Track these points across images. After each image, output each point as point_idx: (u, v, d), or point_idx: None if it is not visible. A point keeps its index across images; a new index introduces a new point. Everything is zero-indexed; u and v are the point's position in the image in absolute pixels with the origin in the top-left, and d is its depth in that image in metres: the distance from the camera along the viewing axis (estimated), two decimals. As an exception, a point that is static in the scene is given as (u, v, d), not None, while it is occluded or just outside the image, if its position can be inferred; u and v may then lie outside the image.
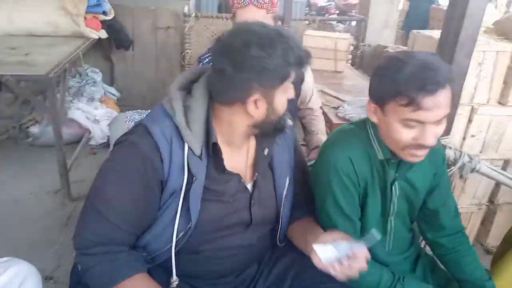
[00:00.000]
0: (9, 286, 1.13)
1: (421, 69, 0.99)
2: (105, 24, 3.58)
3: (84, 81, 3.67)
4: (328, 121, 2.29)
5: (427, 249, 1.50)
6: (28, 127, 3.30)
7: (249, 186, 1.16)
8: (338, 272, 0.98)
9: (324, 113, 2.28)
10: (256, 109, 1.02)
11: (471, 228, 2.39)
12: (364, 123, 1.22)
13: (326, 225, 1.21)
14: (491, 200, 2.37)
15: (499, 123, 2.12)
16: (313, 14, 9.49)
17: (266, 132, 1.09)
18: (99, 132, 3.41)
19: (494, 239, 2.42)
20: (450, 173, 1.64)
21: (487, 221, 2.40)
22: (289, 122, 1.20)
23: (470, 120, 2.11)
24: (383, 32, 5.83)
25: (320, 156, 1.26)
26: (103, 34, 3.54)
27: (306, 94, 1.89)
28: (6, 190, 2.75)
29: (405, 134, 1.05)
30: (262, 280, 1.24)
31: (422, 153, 1.09)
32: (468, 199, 2.29)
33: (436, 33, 2.29)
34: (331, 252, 0.99)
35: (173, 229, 1.05)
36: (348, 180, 1.17)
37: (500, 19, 2.46)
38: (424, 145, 1.05)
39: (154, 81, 4.16)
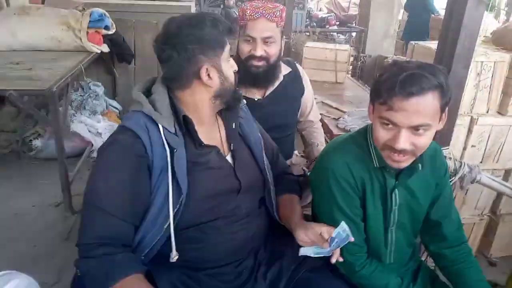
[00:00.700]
0: (10, 299, 1.13)
1: (400, 72, 1.03)
2: (107, 38, 3.62)
3: (87, 94, 3.70)
4: (328, 132, 2.30)
5: (428, 261, 1.49)
6: (31, 140, 3.32)
7: (228, 158, 1.29)
8: None
9: (324, 124, 2.29)
10: (210, 79, 1.15)
11: (474, 240, 2.37)
12: (365, 132, 1.25)
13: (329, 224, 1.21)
14: (493, 211, 2.35)
15: (499, 133, 2.12)
16: (313, 25, 9.55)
17: (228, 102, 1.23)
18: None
19: (497, 251, 2.40)
20: (450, 183, 1.64)
21: (489, 232, 2.38)
22: (244, 101, 1.37)
23: (470, 130, 2.11)
24: (383, 43, 5.87)
25: (318, 163, 1.29)
26: (105, 48, 3.58)
27: (306, 107, 1.90)
28: (8, 203, 2.76)
29: (381, 133, 1.10)
30: (260, 273, 1.26)
31: (398, 158, 1.10)
32: (470, 210, 2.28)
33: (434, 44, 2.31)
34: (313, 253, 1.19)
35: (168, 205, 1.11)
36: (346, 183, 1.20)
37: (497, 29, 2.48)
38: (394, 147, 1.07)
39: (156, 94, 4.19)
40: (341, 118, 2.43)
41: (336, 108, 2.68)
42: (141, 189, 1.11)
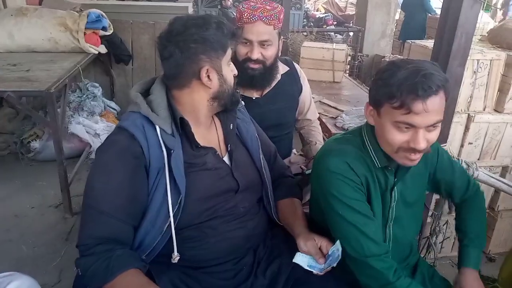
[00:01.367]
0: (11, 300, 1.14)
1: (414, 74, 1.02)
2: (105, 39, 3.63)
3: (84, 95, 3.69)
4: (326, 131, 2.31)
5: (427, 257, 1.50)
6: (29, 142, 3.32)
7: (225, 158, 1.28)
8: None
9: (322, 123, 2.30)
10: (209, 80, 1.15)
11: (472, 236, 2.39)
12: (360, 131, 1.24)
13: (346, 229, 1.15)
14: (491, 207, 2.37)
15: (496, 130, 2.14)
16: (311, 25, 9.58)
17: (225, 104, 1.22)
18: (100, 146, 3.42)
19: (495, 246, 2.42)
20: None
21: (488, 228, 2.39)
22: (242, 102, 1.37)
23: (467, 128, 2.13)
24: (380, 42, 5.89)
25: (316, 166, 1.26)
26: (103, 49, 3.59)
27: (304, 105, 1.91)
28: (7, 204, 2.77)
29: (398, 136, 1.08)
30: (260, 270, 1.26)
31: (415, 157, 1.11)
32: (468, 206, 2.29)
33: (431, 43, 2.33)
34: (307, 265, 1.19)
35: (168, 206, 1.11)
36: (350, 181, 1.16)
37: (493, 28, 2.50)
38: (416, 148, 1.07)
39: (153, 95, 4.19)
40: (339, 117, 2.43)
41: (333, 107, 2.69)
42: (139, 190, 1.12)
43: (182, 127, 1.16)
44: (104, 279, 1.04)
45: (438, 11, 6.69)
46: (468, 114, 2.11)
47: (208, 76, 1.15)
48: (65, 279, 2.09)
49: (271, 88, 1.76)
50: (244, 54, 1.63)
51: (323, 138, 2.01)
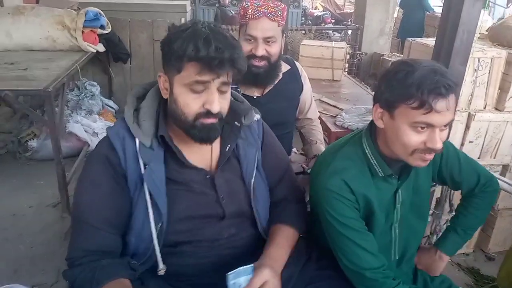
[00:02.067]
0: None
1: (432, 73, 1.01)
2: (103, 38, 3.61)
3: (83, 94, 3.68)
4: (326, 129, 2.30)
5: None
6: (27, 141, 3.31)
7: (216, 179, 1.18)
8: None
9: (322, 122, 2.29)
10: (164, 89, 1.09)
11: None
12: (360, 140, 1.21)
13: (343, 242, 1.16)
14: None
15: (497, 128, 2.14)
16: (309, 23, 9.57)
17: (186, 132, 1.08)
18: (98, 145, 3.41)
19: (495, 245, 2.41)
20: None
21: (487, 227, 2.40)
22: (257, 116, 1.26)
23: (467, 126, 2.12)
24: (378, 40, 5.89)
25: (313, 181, 1.24)
26: (101, 47, 3.57)
27: (305, 104, 1.90)
28: (5, 204, 2.75)
29: (414, 137, 1.06)
30: None
31: (430, 157, 1.10)
32: (468, 205, 2.29)
33: (431, 41, 2.32)
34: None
35: (149, 222, 1.09)
36: (346, 200, 1.15)
37: (493, 26, 2.49)
38: (433, 148, 1.06)
39: (152, 93, 4.18)
40: (338, 116, 2.42)
41: (333, 106, 2.68)
42: (122, 199, 1.10)
43: (164, 141, 1.11)
44: None
45: (436, 9, 6.73)
46: (469, 113, 2.11)
47: (162, 83, 1.09)
48: (63, 279, 2.08)
49: (272, 86, 1.75)
50: (248, 51, 1.60)
51: (324, 138, 2.00)
